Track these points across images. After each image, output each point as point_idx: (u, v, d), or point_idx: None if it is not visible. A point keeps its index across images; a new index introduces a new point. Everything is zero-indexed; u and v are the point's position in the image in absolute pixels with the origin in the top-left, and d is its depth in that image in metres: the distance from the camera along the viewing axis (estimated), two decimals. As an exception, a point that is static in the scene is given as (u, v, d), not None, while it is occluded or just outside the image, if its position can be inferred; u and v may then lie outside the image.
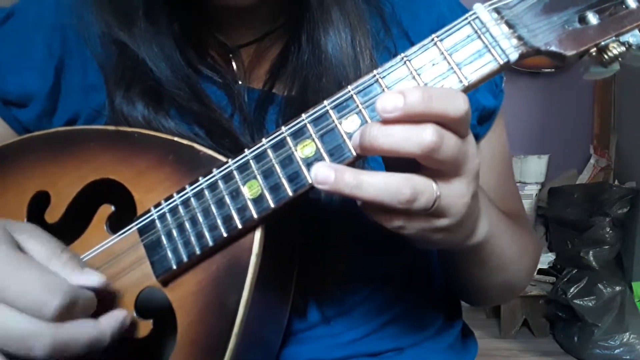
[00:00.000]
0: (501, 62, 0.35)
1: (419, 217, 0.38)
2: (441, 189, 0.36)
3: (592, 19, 0.32)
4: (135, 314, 0.43)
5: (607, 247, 2.01)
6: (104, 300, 0.41)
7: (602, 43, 0.32)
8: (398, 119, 0.34)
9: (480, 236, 0.44)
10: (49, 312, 0.35)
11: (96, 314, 0.39)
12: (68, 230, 0.46)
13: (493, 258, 0.50)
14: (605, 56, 0.32)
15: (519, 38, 0.34)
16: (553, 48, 0.33)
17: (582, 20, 0.33)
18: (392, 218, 0.37)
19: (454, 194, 0.37)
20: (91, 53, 0.53)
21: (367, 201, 0.36)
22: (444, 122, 0.34)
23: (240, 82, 0.54)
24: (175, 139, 0.46)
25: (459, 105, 0.34)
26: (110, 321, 0.39)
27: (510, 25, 0.34)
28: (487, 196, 0.52)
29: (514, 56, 0.34)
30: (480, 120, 0.58)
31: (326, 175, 0.35)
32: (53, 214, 0.47)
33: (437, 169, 0.36)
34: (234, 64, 0.55)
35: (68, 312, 0.36)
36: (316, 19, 0.49)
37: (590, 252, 2.01)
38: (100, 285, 0.39)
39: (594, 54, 0.33)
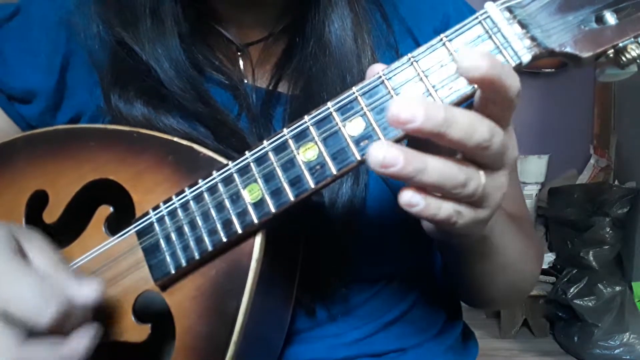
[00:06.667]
0: (513, 64, 0.33)
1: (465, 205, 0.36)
2: (485, 179, 0.35)
3: (610, 18, 0.31)
4: (133, 318, 0.42)
5: (607, 247, 2.01)
6: (102, 304, 0.40)
7: (620, 44, 0.31)
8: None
9: (490, 227, 0.43)
10: (44, 320, 0.35)
11: (93, 320, 0.39)
12: (66, 230, 0.46)
13: (496, 255, 0.49)
14: (623, 58, 0.31)
15: (532, 39, 0.32)
16: (568, 49, 0.31)
17: (599, 20, 0.31)
18: (442, 207, 0.34)
19: (494, 184, 0.35)
20: (88, 53, 0.52)
21: (428, 185, 0.33)
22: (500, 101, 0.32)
23: (246, 81, 0.54)
24: (175, 139, 0.45)
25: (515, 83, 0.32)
26: (82, 338, 0.38)
27: (523, 25, 0.33)
28: None
29: (526, 58, 0.33)
30: None
31: (395, 156, 0.31)
32: (51, 214, 0.46)
33: (482, 162, 0.34)
34: (241, 62, 0.54)
35: (64, 320, 0.36)
36: (321, 8, 0.49)
37: (590, 252, 2.01)
38: (99, 294, 0.38)
39: (611, 55, 0.31)
